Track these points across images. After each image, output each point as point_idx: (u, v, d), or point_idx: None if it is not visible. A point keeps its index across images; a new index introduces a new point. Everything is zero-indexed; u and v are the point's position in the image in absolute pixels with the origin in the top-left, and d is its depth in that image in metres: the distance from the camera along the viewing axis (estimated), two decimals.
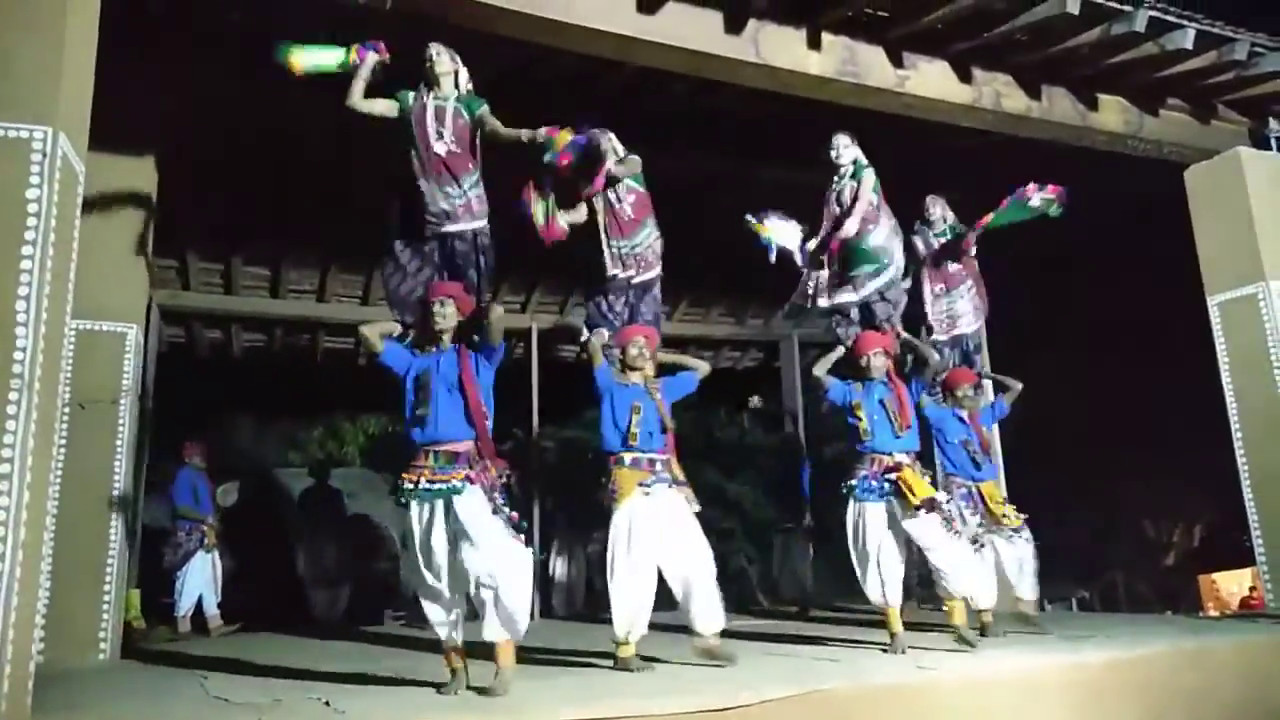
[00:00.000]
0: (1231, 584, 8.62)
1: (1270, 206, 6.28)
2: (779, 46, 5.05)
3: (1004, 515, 5.47)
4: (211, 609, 7.74)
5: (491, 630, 3.58)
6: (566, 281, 8.60)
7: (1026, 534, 5.51)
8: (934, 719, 3.75)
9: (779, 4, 4.98)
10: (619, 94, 4.99)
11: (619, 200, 4.88)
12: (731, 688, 3.60)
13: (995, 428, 6.37)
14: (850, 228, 5.23)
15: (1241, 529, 6.33)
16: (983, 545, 5.29)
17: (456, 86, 4.34)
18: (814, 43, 5.14)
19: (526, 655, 4.17)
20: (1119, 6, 5.15)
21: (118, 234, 5.48)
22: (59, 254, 3.45)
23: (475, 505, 3.59)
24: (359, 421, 12.81)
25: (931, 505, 4.64)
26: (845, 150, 5.39)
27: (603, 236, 4.88)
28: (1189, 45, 5.39)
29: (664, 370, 4.81)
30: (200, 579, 7.76)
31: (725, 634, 4.42)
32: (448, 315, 3.83)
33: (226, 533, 8.22)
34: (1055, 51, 5.49)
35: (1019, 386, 5.79)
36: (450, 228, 4.19)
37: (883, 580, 4.71)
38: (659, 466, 4.42)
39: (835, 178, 5.45)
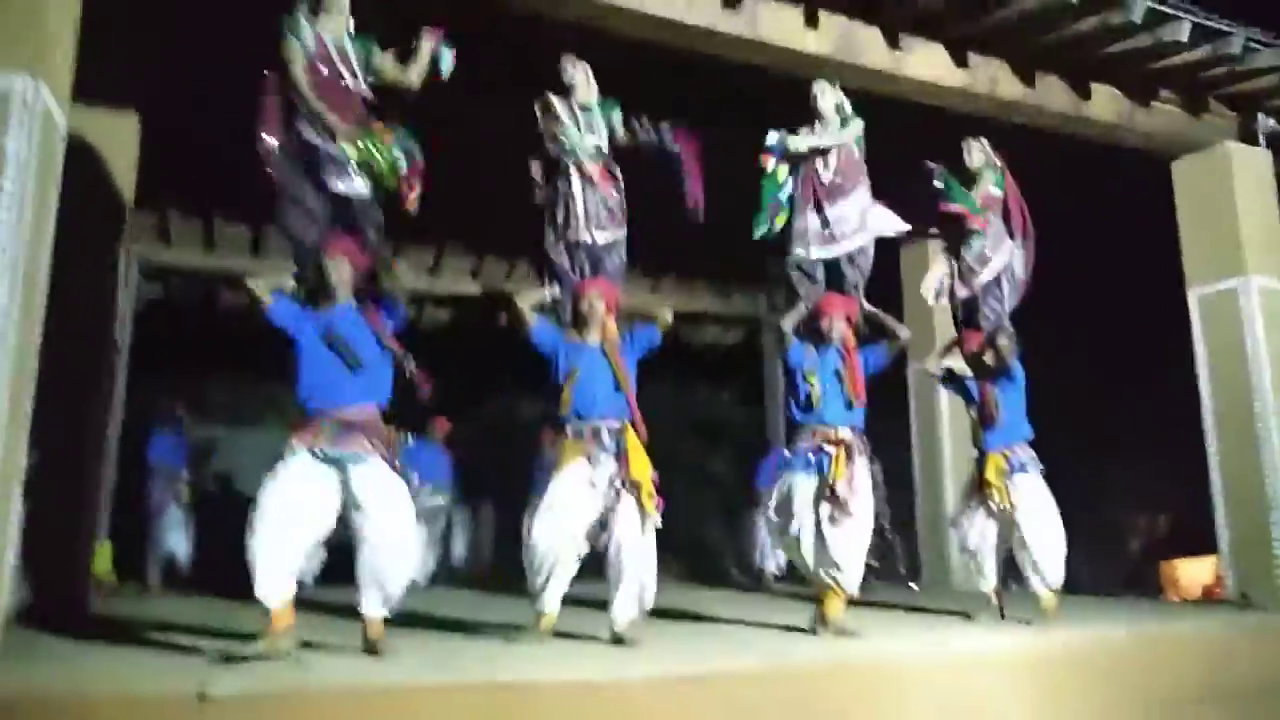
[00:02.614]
0: (1193, 572, 8.77)
1: (1255, 202, 6.34)
2: (775, 24, 4.99)
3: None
4: (184, 566, 7.75)
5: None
6: (514, 246, 8.59)
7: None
8: (902, 695, 3.82)
9: None
10: (602, 64, 4.92)
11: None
12: (699, 657, 3.65)
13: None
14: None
15: (1207, 519, 6.44)
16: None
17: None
18: (811, 21, 5.09)
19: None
20: None
21: (97, 186, 5.39)
22: (38, 204, 3.40)
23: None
24: None
25: (833, 494, 4.44)
26: (827, 96, 5.01)
27: (568, 200, 4.60)
28: (1184, 38, 5.38)
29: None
30: (173, 536, 7.76)
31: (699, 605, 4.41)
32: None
33: (203, 491, 8.21)
34: (1051, 39, 5.47)
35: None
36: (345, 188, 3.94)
37: (804, 556, 4.52)
38: (605, 436, 4.15)
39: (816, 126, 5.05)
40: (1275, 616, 5.55)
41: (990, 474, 5.15)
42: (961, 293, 5.56)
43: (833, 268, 4.99)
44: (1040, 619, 4.98)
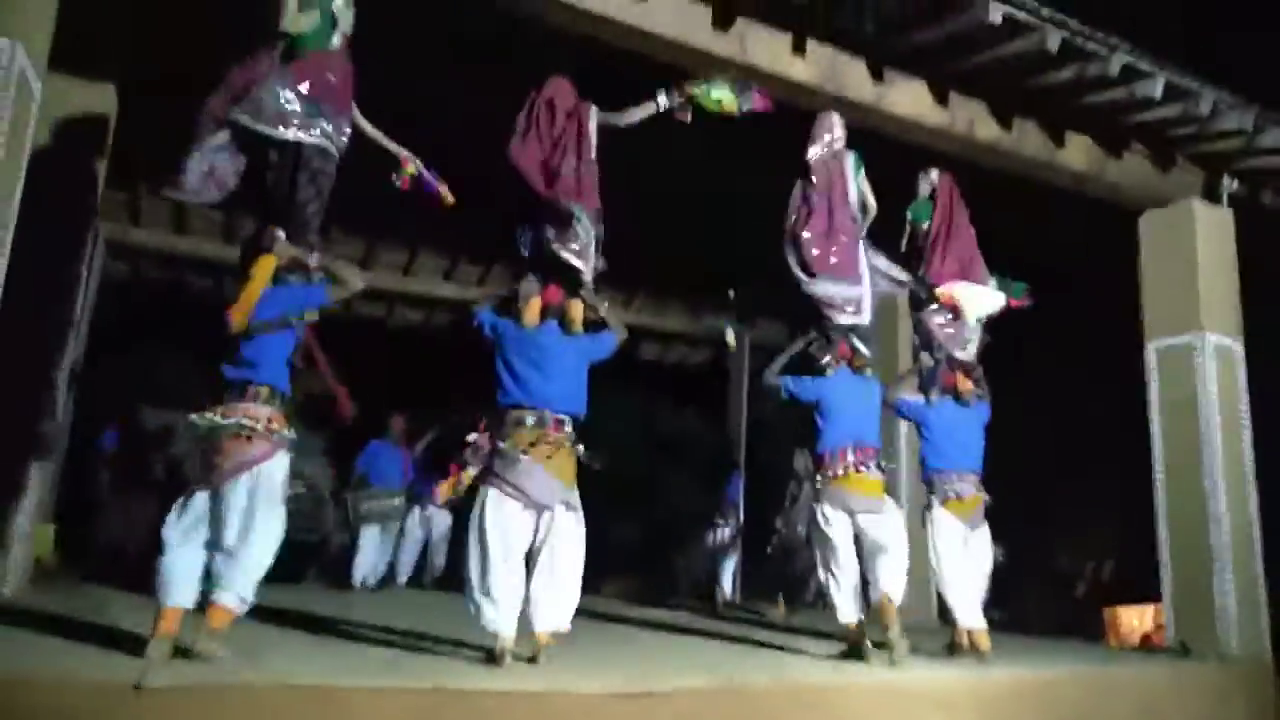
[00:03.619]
0: (1133, 618, 8.89)
1: (1215, 260, 6.50)
2: (764, 48, 5.06)
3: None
4: (132, 555, 7.56)
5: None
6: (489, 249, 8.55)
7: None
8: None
9: (768, 5, 4.99)
10: (588, 73, 4.93)
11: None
12: (646, 673, 3.64)
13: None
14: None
15: (1151, 567, 6.53)
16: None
17: None
18: (799, 48, 5.16)
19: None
20: (1096, 49, 5.26)
21: (69, 159, 5.29)
22: (6, 172, 3.34)
23: None
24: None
25: None
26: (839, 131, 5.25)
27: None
28: (1157, 95, 5.54)
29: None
30: (122, 523, 7.59)
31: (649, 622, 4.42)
32: None
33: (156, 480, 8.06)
34: (1030, 85, 5.60)
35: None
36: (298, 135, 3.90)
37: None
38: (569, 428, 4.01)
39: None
40: (1211, 666, 5.65)
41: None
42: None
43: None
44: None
